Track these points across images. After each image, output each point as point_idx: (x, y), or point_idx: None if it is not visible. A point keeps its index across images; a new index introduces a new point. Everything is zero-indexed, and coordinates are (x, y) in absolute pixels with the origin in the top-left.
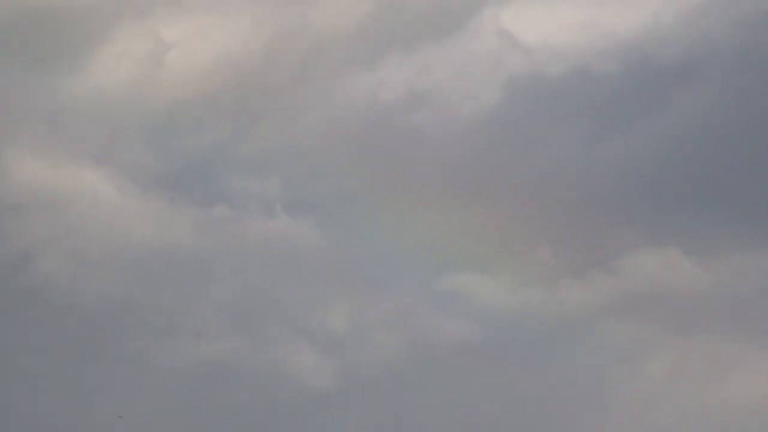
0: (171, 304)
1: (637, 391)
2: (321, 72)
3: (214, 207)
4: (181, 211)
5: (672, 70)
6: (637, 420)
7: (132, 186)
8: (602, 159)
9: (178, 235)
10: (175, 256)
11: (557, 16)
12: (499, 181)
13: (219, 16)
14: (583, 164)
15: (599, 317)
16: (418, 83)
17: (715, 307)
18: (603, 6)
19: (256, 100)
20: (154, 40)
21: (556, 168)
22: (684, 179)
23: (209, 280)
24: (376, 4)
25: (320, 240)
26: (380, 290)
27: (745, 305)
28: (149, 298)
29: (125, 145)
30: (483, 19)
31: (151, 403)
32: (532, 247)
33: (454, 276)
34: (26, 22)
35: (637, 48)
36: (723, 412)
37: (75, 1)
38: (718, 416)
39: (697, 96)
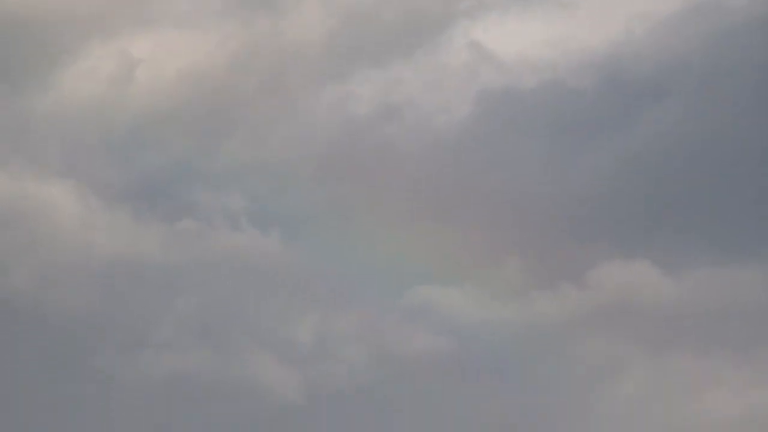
0: (137, 319)
1: (610, 406)
2: (289, 85)
3: (179, 221)
4: (146, 226)
5: (643, 84)
6: None
7: (96, 200)
8: (573, 172)
9: (143, 250)
10: (140, 270)
11: (530, 29)
12: (470, 194)
13: (187, 30)
14: (553, 177)
15: (570, 330)
16: (389, 96)
17: (686, 320)
18: (576, 20)
19: (222, 114)
20: (122, 56)
21: (526, 181)
22: (654, 192)
23: (175, 294)
24: (345, 17)
25: (287, 253)
26: (348, 303)
27: (715, 319)
28: (115, 313)
29: (89, 159)
30: (455, 32)
31: (116, 417)
32: (501, 260)
33: (422, 289)
34: None
35: (610, 63)
36: (695, 429)
37: (42, 17)
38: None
39: (668, 111)
